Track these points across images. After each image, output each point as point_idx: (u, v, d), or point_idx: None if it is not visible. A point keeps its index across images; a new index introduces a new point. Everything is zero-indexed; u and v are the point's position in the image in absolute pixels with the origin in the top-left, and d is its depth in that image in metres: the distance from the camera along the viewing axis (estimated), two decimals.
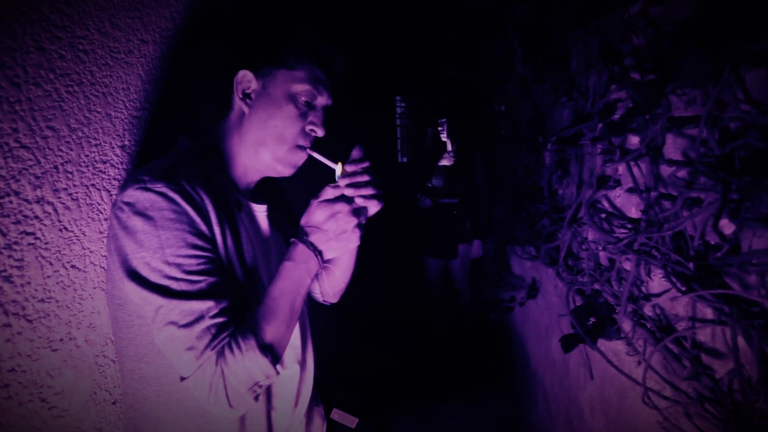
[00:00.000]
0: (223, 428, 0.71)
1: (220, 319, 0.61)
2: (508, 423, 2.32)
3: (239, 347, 0.61)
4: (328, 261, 0.76)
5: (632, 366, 1.02)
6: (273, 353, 0.64)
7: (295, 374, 0.82)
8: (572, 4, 1.35)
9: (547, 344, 1.82)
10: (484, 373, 2.80)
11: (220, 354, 0.60)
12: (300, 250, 0.70)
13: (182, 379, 0.61)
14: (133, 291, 0.61)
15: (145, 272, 0.60)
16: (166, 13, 0.86)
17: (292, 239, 0.72)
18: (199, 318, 0.60)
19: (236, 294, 0.68)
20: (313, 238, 0.71)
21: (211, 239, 0.66)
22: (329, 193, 0.72)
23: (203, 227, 0.65)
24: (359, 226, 0.73)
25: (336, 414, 0.94)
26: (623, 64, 1.02)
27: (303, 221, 0.73)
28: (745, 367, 0.68)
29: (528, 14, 1.63)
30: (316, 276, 0.79)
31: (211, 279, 0.63)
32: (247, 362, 0.61)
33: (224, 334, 0.61)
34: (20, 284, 0.57)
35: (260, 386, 0.64)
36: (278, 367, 0.79)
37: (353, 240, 0.73)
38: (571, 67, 1.41)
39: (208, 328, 0.60)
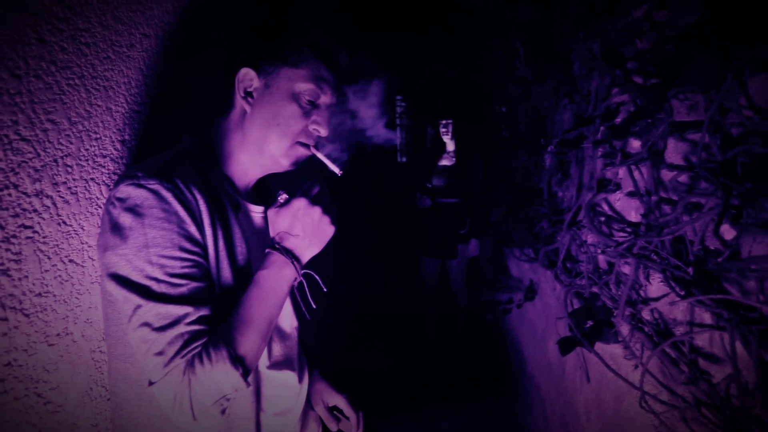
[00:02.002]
0: (209, 426, 0.68)
1: (195, 327, 0.59)
2: (503, 426, 2.32)
3: (209, 358, 0.59)
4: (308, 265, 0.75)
5: (629, 370, 1.02)
6: (244, 366, 0.62)
7: (288, 377, 0.81)
8: (575, 5, 1.35)
9: (543, 347, 1.82)
10: (479, 376, 2.80)
11: (190, 364, 0.58)
12: (274, 258, 0.69)
13: (150, 383, 0.59)
14: (113, 288, 0.59)
15: (126, 270, 0.59)
16: (169, 8, 0.85)
17: (267, 249, 0.70)
18: (175, 323, 0.58)
19: (224, 299, 0.67)
20: (287, 244, 0.69)
21: (200, 243, 0.64)
22: (282, 197, 0.72)
23: (192, 229, 0.63)
24: (325, 211, 0.71)
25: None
26: (626, 67, 1.02)
27: (272, 234, 0.72)
28: (742, 372, 0.68)
29: (531, 15, 1.63)
30: (300, 285, 0.77)
31: (193, 284, 0.61)
32: (216, 374, 0.59)
33: (197, 343, 0.59)
34: (18, 278, 0.56)
35: (227, 399, 0.61)
36: (273, 372, 0.78)
37: (326, 229, 0.72)
38: (573, 70, 1.41)
39: (182, 334, 0.58)
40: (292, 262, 0.69)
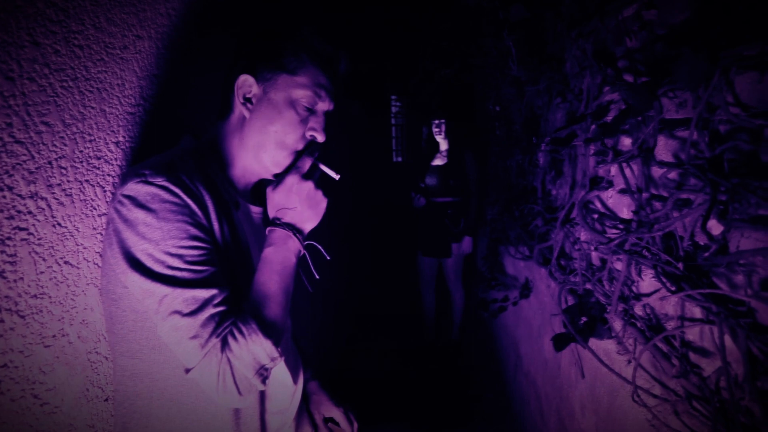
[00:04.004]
0: (217, 425, 0.71)
1: (223, 308, 0.62)
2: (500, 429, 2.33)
3: (242, 333, 0.61)
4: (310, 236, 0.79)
5: (622, 365, 1.03)
6: (275, 334, 0.65)
7: (284, 376, 0.83)
8: (567, 4, 1.36)
9: (539, 344, 1.83)
10: (476, 375, 2.81)
11: (224, 342, 0.61)
12: (277, 234, 0.72)
13: (187, 371, 0.61)
14: (135, 283, 0.61)
15: (148, 263, 0.60)
16: (162, 9, 0.85)
17: (268, 228, 0.73)
18: (204, 306, 0.60)
19: (234, 285, 0.69)
20: (287, 219, 0.73)
21: (210, 232, 0.67)
22: (276, 179, 0.76)
23: (203, 220, 0.65)
24: (317, 185, 0.75)
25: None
26: (617, 66, 1.03)
27: (270, 213, 0.75)
28: (731, 365, 0.70)
29: (523, 15, 1.64)
30: (304, 257, 0.80)
31: (212, 269, 0.63)
32: (251, 346, 0.61)
33: (227, 323, 0.62)
34: (13, 280, 0.56)
35: (266, 369, 0.64)
36: (274, 369, 0.79)
37: (320, 202, 0.75)
38: (565, 69, 1.42)
39: (212, 316, 0.61)
40: (294, 234, 0.72)
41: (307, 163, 0.75)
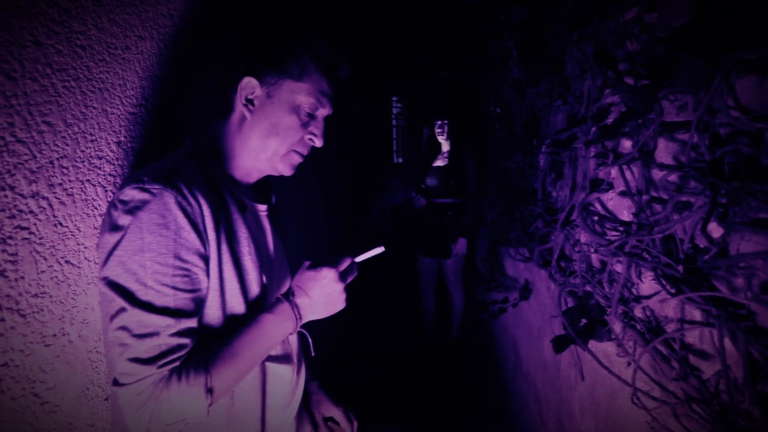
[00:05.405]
0: (210, 422, 0.70)
1: (175, 340, 0.60)
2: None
3: (188, 378, 0.60)
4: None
5: (622, 367, 1.03)
6: (213, 397, 0.63)
7: (286, 372, 0.83)
8: (568, 7, 1.36)
9: (539, 345, 1.83)
10: (476, 375, 2.81)
11: (166, 378, 0.59)
12: (283, 308, 0.71)
13: (114, 383, 0.59)
14: (102, 287, 0.60)
15: (117, 271, 0.59)
16: (164, 11, 0.86)
17: (278, 296, 0.73)
18: (154, 333, 0.59)
19: (227, 303, 0.69)
20: (299, 301, 0.72)
21: (198, 251, 0.64)
22: (320, 259, 0.75)
23: (191, 237, 0.63)
24: (345, 289, 0.75)
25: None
26: (617, 68, 1.04)
27: (294, 281, 0.74)
28: (731, 368, 0.70)
29: (524, 17, 1.64)
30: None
31: (181, 295, 0.62)
32: (187, 396, 0.59)
33: (175, 356, 0.60)
34: (14, 279, 0.57)
35: (186, 424, 0.62)
36: (273, 365, 0.79)
37: (338, 304, 0.75)
38: (566, 71, 1.42)
39: (160, 345, 0.59)
40: (296, 319, 0.72)
41: (345, 263, 0.76)
